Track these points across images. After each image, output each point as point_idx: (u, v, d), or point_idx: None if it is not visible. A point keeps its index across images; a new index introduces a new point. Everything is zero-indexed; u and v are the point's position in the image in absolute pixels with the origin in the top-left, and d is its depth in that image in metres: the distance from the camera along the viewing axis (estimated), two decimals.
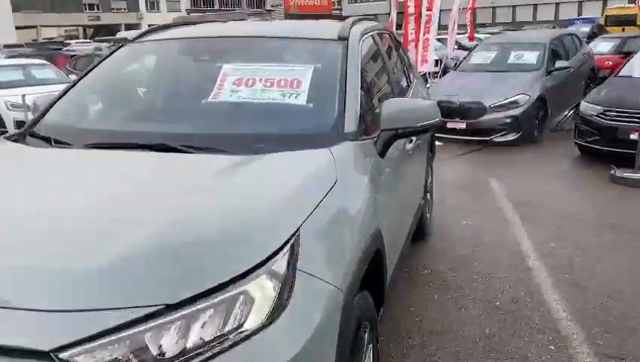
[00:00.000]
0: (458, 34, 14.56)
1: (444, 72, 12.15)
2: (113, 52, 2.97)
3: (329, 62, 2.61)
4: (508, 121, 7.82)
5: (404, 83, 3.87)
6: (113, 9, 51.95)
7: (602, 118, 6.58)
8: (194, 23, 3.34)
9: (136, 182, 1.93)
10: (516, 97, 7.89)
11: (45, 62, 11.80)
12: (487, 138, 7.84)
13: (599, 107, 6.68)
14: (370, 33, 3.16)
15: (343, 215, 1.93)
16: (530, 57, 8.82)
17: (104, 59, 2.92)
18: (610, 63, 12.53)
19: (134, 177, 1.98)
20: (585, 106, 6.93)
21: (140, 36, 3.07)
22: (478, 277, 3.77)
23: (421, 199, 3.95)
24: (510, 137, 7.85)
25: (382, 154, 2.43)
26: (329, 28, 2.99)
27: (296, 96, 2.40)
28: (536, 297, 3.48)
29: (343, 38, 2.71)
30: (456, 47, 14.79)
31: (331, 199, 1.86)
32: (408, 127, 2.40)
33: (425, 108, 2.47)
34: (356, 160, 2.22)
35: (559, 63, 8.81)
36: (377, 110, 2.67)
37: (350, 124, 2.29)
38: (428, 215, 4.49)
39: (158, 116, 2.65)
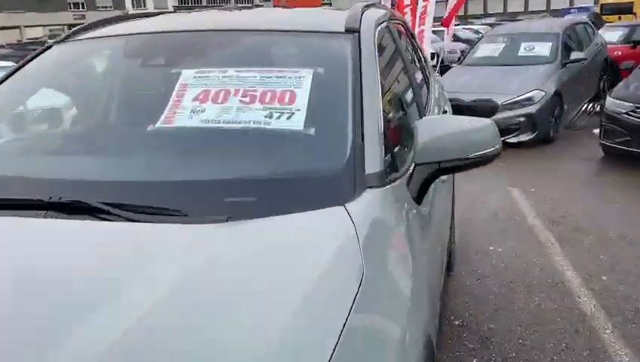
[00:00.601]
0: (455, 25, 13.88)
1: (442, 65, 11.38)
2: (35, 57, 2.13)
3: (335, 64, 1.81)
4: (522, 119, 7.05)
5: (424, 85, 3.07)
6: (99, 7, 50.87)
7: (633, 117, 5.82)
8: (150, 15, 2.51)
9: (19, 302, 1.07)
10: (530, 93, 7.12)
11: (14, 64, 10.91)
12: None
13: (628, 104, 5.91)
14: (386, 22, 2.36)
15: (380, 343, 1.10)
16: (543, 49, 8.04)
17: (20, 67, 2.09)
18: (620, 53, 11.75)
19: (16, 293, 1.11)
20: (611, 103, 6.15)
21: (75, 33, 2.23)
22: (523, 330, 2.99)
23: (449, 229, 3.16)
24: (525, 137, 7.08)
25: (418, 199, 1.64)
26: (332, 17, 2.20)
27: (288, 117, 1.58)
28: (605, 360, 2.71)
29: (353, 31, 1.89)
30: (452, 39, 14.08)
31: (358, 318, 1.03)
32: (456, 159, 1.61)
33: (478, 130, 1.67)
34: (387, 221, 1.42)
35: (575, 55, 8.02)
36: (404, 130, 1.88)
37: (373, 160, 1.48)
38: (453, 243, 3.70)
39: (76, 152, 1.77)
